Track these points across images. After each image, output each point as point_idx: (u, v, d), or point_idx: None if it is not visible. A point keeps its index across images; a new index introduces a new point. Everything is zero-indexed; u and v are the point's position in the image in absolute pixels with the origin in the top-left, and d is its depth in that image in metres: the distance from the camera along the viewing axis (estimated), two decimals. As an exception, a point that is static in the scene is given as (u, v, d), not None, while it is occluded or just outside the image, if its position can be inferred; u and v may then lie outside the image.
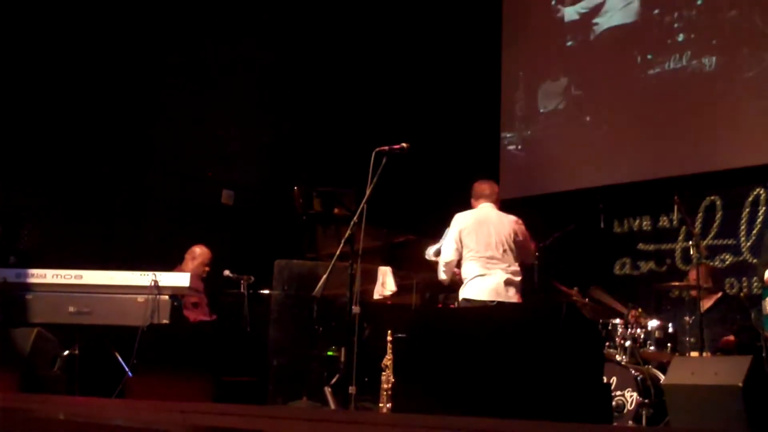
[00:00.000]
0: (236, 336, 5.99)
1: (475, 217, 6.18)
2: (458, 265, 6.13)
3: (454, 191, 6.48)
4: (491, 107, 9.73)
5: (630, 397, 5.96)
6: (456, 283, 6.15)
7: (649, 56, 8.65)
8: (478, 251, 6.04)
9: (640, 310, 6.61)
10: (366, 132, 8.24)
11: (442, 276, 6.13)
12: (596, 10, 9.13)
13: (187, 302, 7.04)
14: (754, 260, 7.73)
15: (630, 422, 5.85)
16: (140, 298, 6.07)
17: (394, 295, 6.97)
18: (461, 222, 6.14)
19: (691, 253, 6.41)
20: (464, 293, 6.03)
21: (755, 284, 7.64)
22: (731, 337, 6.42)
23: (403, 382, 4.73)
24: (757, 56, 7.92)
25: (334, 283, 5.62)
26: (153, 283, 6.07)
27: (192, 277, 6.32)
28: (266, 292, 7.20)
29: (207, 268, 7.29)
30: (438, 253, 6.23)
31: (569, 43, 9.33)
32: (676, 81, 8.40)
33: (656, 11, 8.68)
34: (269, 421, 3.31)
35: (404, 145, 5.39)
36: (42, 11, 7.81)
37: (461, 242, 6.07)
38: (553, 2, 9.55)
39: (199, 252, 7.31)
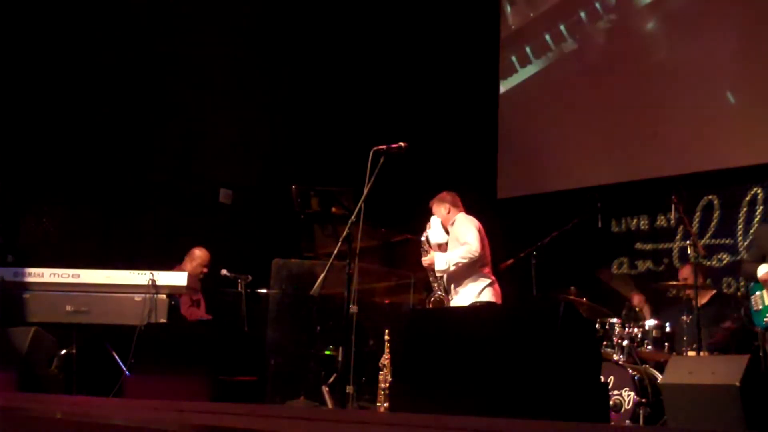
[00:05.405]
0: (234, 335, 5.99)
1: None
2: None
3: (453, 191, 6.48)
4: (490, 106, 9.73)
5: (627, 397, 5.96)
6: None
7: (647, 54, 8.65)
8: (488, 257, 6.14)
9: (638, 309, 6.63)
10: (364, 131, 8.24)
11: (462, 263, 6.01)
12: (596, 9, 9.13)
13: (185, 301, 7.04)
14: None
15: (627, 421, 5.85)
16: (138, 297, 6.07)
17: (391, 294, 6.98)
18: (478, 224, 6.19)
19: (689, 252, 6.43)
20: (492, 296, 6.08)
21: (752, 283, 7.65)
22: (719, 336, 6.49)
23: (400, 381, 4.72)
24: (755, 56, 7.92)
25: (332, 282, 5.62)
26: (150, 282, 6.07)
27: (189, 277, 6.32)
28: (264, 291, 7.20)
29: (205, 270, 7.28)
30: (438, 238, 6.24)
31: (567, 41, 9.33)
32: (675, 80, 8.40)
33: (653, 8, 8.69)
34: (267, 420, 3.30)
35: (402, 144, 5.39)
36: (44, 11, 7.81)
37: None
38: None
39: (197, 254, 7.31)
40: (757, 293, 6.32)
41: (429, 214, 6.37)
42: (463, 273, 6.06)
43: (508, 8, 9.86)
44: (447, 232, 6.31)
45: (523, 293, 7.04)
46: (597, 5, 9.07)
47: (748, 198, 7.98)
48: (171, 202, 8.66)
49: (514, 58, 9.68)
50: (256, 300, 7.18)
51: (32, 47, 7.75)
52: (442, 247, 6.23)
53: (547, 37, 9.43)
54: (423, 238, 6.26)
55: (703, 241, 7.89)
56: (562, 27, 9.33)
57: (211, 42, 9.01)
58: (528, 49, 9.57)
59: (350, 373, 5.22)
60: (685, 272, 6.91)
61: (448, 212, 6.27)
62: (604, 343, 6.45)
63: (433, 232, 6.27)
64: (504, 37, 9.83)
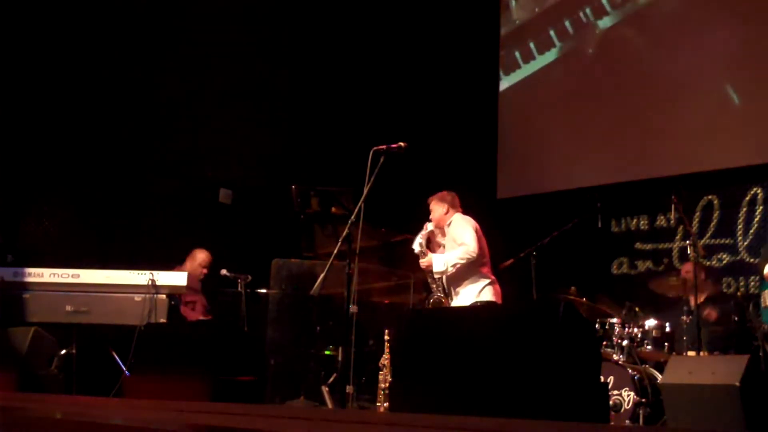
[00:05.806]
0: (234, 335, 5.98)
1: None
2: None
3: (452, 190, 6.49)
4: (490, 106, 9.73)
5: (627, 397, 5.96)
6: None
7: (647, 55, 8.65)
8: (486, 256, 6.12)
9: (637, 309, 6.62)
10: (364, 131, 8.24)
11: (460, 264, 6.02)
12: (596, 9, 9.13)
13: (185, 301, 7.04)
14: (752, 260, 7.75)
15: (627, 422, 5.85)
16: (137, 297, 6.08)
17: (391, 294, 6.97)
18: (475, 224, 6.18)
19: (689, 252, 6.43)
20: (492, 295, 6.07)
21: (752, 284, 7.65)
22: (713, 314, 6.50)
23: (400, 381, 4.72)
24: (756, 55, 7.93)
25: (332, 282, 5.62)
26: (150, 282, 6.07)
27: (189, 277, 6.33)
28: (264, 291, 7.21)
29: (205, 270, 7.30)
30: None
31: (567, 41, 9.33)
32: (676, 79, 8.40)
33: (656, 6, 8.69)
34: (267, 420, 3.31)
35: (402, 144, 5.40)
36: (45, 12, 7.80)
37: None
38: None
39: (198, 255, 7.37)
40: (765, 291, 6.33)
41: (429, 213, 6.37)
42: (463, 274, 6.06)
43: (513, 2, 9.85)
44: (442, 231, 6.31)
45: (523, 293, 7.04)
46: (603, 1, 9.06)
47: (748, 198, 7.98)
48: (171, 202, 8.66)
49: (517, 54, 9.67)
50: (256, 300, 7.18)
51: (33, 47, 7.75)
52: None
53: (552, 32, 9.43)
54: (420, 241, 6.26)
55: (702, 241, 7.89)
56: (567, 23, 9.32)
57: (211, 42, 9.00)
58: (532, 45, 9.57)
59: (350, 373, 5.22)
60: (689, 266, 6.85)
61: (446, 212, 6.27)
62: (604, 343, 6.45)
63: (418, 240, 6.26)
64: (508, 32, 9.83)
